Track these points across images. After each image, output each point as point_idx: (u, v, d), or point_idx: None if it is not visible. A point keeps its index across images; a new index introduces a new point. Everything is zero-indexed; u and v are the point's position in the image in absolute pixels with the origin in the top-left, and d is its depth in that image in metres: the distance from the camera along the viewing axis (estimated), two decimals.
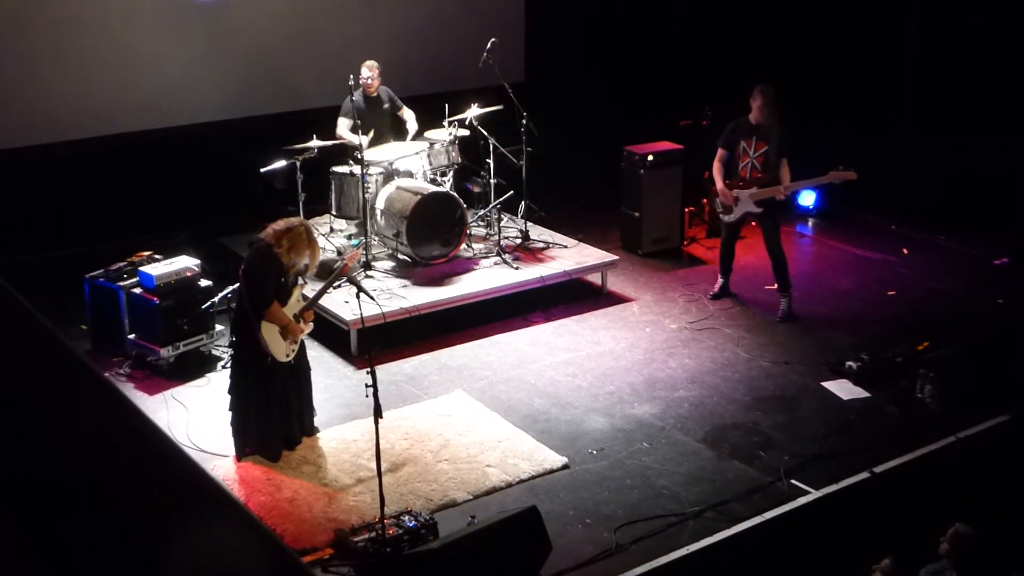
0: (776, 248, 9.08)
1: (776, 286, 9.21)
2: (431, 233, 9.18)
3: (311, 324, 7.04)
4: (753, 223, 9.56)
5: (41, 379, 1.87)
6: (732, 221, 9.25)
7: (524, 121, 9.68)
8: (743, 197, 9.01)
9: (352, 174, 9.39)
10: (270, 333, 6.70)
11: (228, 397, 6.97)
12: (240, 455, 6.91)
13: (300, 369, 7.05)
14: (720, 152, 9.18)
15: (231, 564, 1.63)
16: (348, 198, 9.51)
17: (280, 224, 6.83)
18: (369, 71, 9.72)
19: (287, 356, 6.83)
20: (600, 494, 6.57)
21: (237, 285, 7.20)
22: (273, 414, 6.88)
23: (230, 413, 6.95)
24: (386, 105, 9.89)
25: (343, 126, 9.66)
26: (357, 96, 9.64)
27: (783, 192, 8.87)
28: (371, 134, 9.49)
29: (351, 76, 9.43)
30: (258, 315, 6.67)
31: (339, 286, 8.58)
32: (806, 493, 6.57)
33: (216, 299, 8.17)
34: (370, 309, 7.07)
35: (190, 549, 1.61)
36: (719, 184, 9.10)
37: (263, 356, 6.72)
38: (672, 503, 6.48)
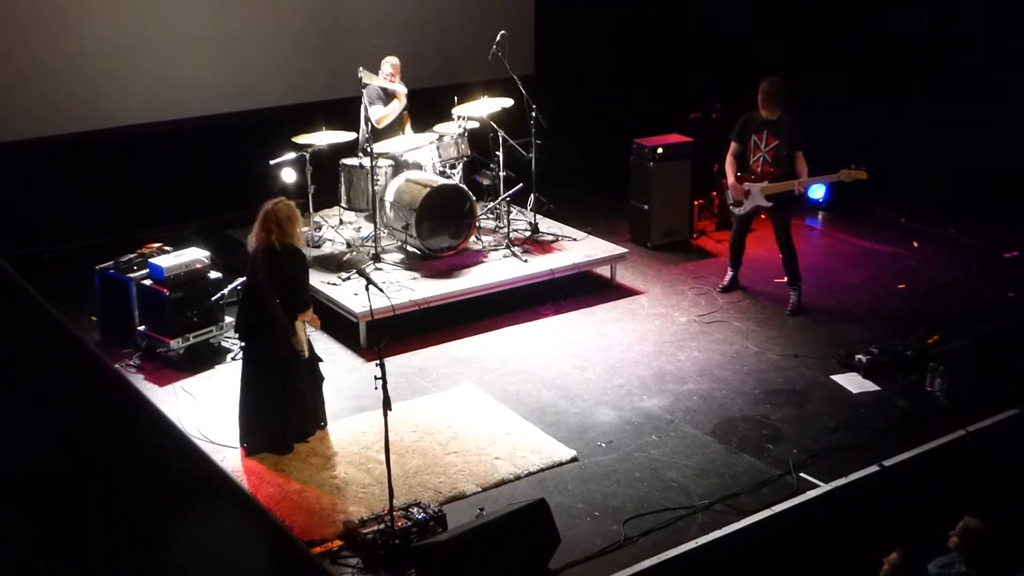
0: (786, 242, 9.07)
1: (786, 279, 9.20)
2: (440, 225, 9.18)
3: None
4: (763, 216, 9.56)
5: (51, 371, 1.87)
6: (743, 214, 9.24)
7: (533, 114, 9.66)
8: (754, 191, 8.99)
9: (361, 166, 9.39)
10: (300, 331, 6.77)
11: (241, 394, 6.96)
12: (251, 452, 6.91)
13: (311, 362, 7.07)
14: (733, 146, 9.14)
15: (239, 556, 1.64)
16: (357, 190, 9.51)
17: (272, 224, 6.68)
18: (392, 68, 9.69)
19: (303, 352, 6.90)
20: (609, 487, 6.57)
21: (244, 281, 7.15)
22: (288, 409, 6.90)
23: (241, 409, 6.95)
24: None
25: (377, 112, 9.63)
26: (377, 85, 9.64)
27: (799, 187, 8.85)
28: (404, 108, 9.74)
29: (360, 68, 9.43)
30: (293, 317, 6.69)
31: (348, 279, 8.61)
32: (815, 486, 6.57)
33: (226, 291, 8.18)
34: (379, 301, 7.05)
35: (198, 540, 1.62)
36: (731, 178, 9.07)
37: (292, 354, 6.74)
38: (681, 496, 6.48)
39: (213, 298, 8.16)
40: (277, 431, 6.90)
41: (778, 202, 8.99)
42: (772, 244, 9.27)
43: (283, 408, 6.87)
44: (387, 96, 9.75)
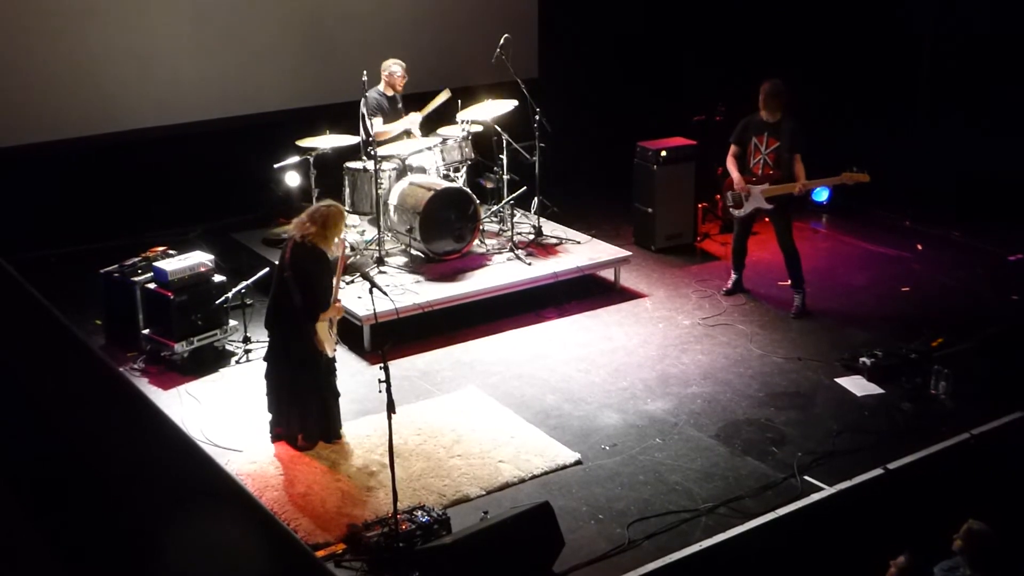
0: (788, 244, 9.06)
1: (789, 282, 9.19)
2: (444, 229, 9.19)
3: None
4: (766, 219, 9.56)
5: (55, 374, 1.88)
6: (743, 216, 9.23)
7: (537, 117, 9.67)
8: (754, 193, 8.99)
9: (365, 170, 9.40)
10: (323, 331, 6.78)
11: (278, 390, 6.99)
12: (277, 438, 6.99)
13: (330, 369, 7.09)
14: (732, 148, 9.14)
15: (244, 559, 1.64)
16: (361, 194, 9.51)
17: (317, 219, 6.77)
18: (401, 69, 9.67)
19: (334, 350, 6.95)
20: (613, 490, 6.57)
21: (258, 278, 7.16)
22: (309, 405, 6.96)
23: (270, 397, 7.00)
24: (400, 104, 9.90)
25: (380, 124, 9.61)
26: (377, 93, 9.64)
27: (800, 189, 8.84)
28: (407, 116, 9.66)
29: (364, 72, 9.43)
30: (314, 318, 6.71)
31: (352, 282, 8.61)
32: (819, 489, 6.56)
33: (230, 294, 8.18)
34: (383, 305, 7.06)
35: (202, 543, 1.62)
36: (736, 175, 9.05)
37: (315, 352, 6.79)
38: (685, 499, 6.48)
39: (217, 301, 8.16)
40: (300, 425, 6.95)
41: (779, 204, 8.99)
42: (776, 247, 9.25)
43: (304, 404, 6.92)
44: (390, 103, 9.72)
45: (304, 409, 6.94)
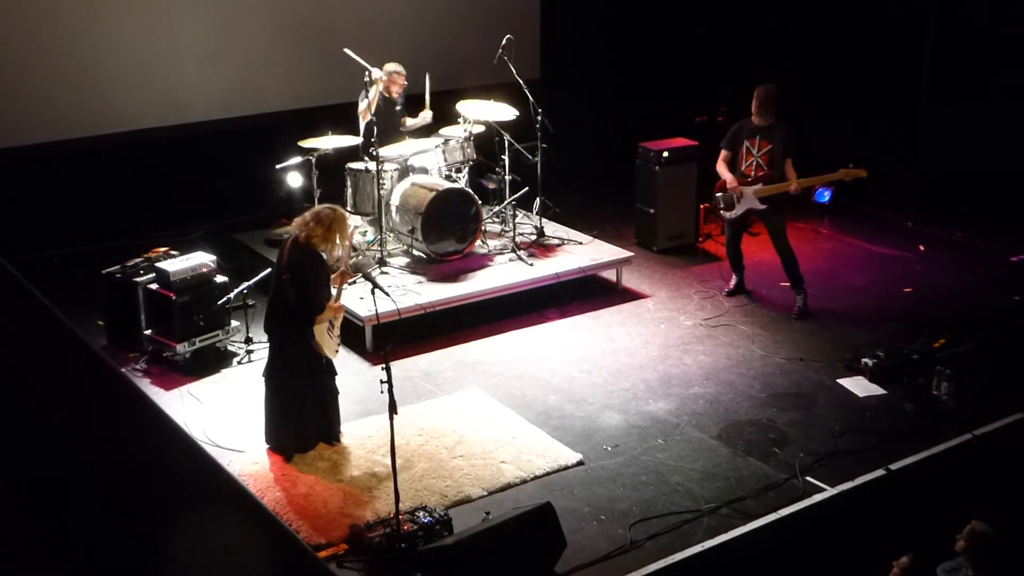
0: (783, 246, 9.04)
1: (789, 284, 9.17)
2: (446, 229, 9.19)
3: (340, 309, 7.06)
4: (757, 221, 9.52)
5: (57, 374, 1.88)
6: (734, 218, 9.19)
7: (539, 118, 9.67)
8: (747, 194, 8.96)
9: (367, 170, 9.40)
10: (321, 334, 6.73)
11: (275, 395, 6.93)
12: (274, 449, 6.92)
13: (329, 370, 7.06)
14: (723, 153, 9.12)
15: (246, 559, 1.64)
16: (363, 194, 9.52)
17: (321, 221, 6.70)
18: (399, 76, 9.66)
19: (336, 352, 6.91)
20: (615, 490, 6.57)
21: (260, 279, 7.14)
22: (306, 408, 6.91)
23: (265, 406, 6.95)
24: (398, 107, 9.88)
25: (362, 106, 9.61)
26: (375, 92, 9.63)
27: (796, 187, 8.83)
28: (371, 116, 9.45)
29: (366, 72, 9.45)
30: (311, 321, 6.68)
31: (353, 283, 8.62)
32: (821, 490, 6.56)
33: (232, 295, 8.18)
34: (385, 305, 7.06)
35: (205, 544, 1.62)
36: (728, 175, 9.02)
37: (311, 354, 6.75)
38: (687, 500, 6.47)
39: (219, 302, 8.16)
40: (297, 429, 6.91)
41: (772, 205, 8.97)
42: None
43: (301, 406, 6.89)
44: (387, 105, 9.68)
45: (300, 415, 6.90)
